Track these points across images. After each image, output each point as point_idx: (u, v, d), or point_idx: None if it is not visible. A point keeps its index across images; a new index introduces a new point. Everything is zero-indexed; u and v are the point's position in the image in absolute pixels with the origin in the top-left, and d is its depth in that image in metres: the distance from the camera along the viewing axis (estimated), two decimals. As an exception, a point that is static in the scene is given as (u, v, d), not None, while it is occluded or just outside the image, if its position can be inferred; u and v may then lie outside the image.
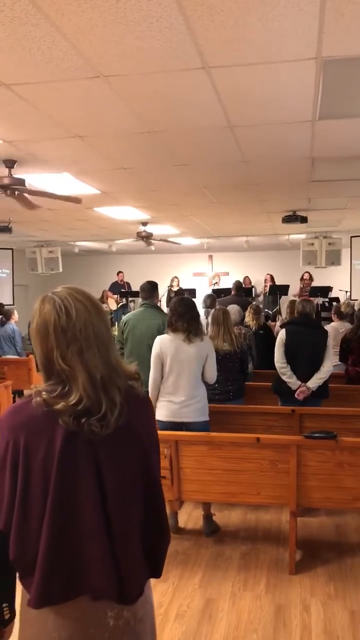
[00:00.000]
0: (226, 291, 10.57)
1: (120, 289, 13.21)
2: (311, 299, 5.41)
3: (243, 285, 10.12)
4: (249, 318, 6.28)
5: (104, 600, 1.45)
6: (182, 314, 3.87)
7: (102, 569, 1.42)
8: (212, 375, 3.95)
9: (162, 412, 3.90)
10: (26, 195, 5.19)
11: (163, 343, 3.90)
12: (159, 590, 3.24)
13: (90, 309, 1.46)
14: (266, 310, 10.96)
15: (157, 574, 1.59)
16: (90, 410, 1.40)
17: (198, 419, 3.89)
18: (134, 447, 1.50)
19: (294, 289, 12.13)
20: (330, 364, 4.61)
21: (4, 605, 1.50)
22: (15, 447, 1.41)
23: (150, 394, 3.91)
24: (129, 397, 1.49)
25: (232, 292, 8.74)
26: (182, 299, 4.08)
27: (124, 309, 12.56)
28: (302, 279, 12.26)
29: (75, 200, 5.52)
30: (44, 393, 1.42)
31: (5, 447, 1.43)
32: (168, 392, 3.88)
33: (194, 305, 4.00)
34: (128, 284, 13.48)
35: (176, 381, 3.86)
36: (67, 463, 1.40)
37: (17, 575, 1.48)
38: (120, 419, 1.44)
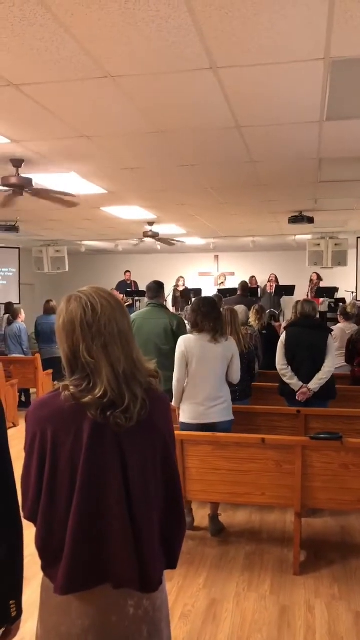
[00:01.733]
0: (232, 291, 10.57)
1: (127, 287, 13.22)
2: (315, 299, 5.40)
3: (249, 286, 10.11)
4: (252, 318, 6.27)
5: (125, 588, 1.50)
6: (207, 313, 3.82)
7: (125, 557, 1.48)
8: (237, 375, 3.93)
9: (187, 415, 3.86)
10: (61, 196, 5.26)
11: (188, 343, 3.83)
12: (164, 590, 3.25)
13: (115, 306, 1.53)
14: (272, 310, 10.96)
15: (173, 565, 1.64)
16: (114, 403, 1.46)
17: (225, 419, 3.87)
18: (156, 440, 1.56)
19: (303, 290, 12.12)
20: (332, 364, 4.58)
21: (11, 602, 1.51)
22: (43, 439, 1.47)
23: (175, 395, 3.88)
24: (149, 392, 1.55)
25: (238, 293, 8.73)
26: (205, 298, 4.07)
27: (129, 308, 12.57)
28: (310, 280, 12.26)
29: (70, 204, 5.54)
30: (71, 387, 1.48)
31: (32, 438, 1.50)
32: (193, 393, 3.83)
33: (217, 305, 3.99)
34: (135, 283, 13.48)
35: (202, 382, 3.81)
36: (94, 454, 1.46)
37: (41, 565, 1.53)
38: (142, 412, 1.49)
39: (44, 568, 1.54)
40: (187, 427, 3.84)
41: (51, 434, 1.47)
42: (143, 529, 1.49)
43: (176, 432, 3.65)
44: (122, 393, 1.47)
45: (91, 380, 1.47)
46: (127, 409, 1.47)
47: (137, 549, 1.48)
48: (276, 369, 4.82)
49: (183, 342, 3.86)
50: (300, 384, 4.56)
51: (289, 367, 4.61)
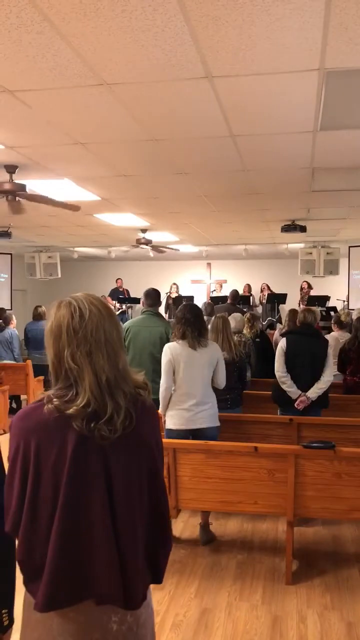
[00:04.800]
0: (223, 299, 10.58)
1: (120, 295, 13.21)
2: (313, 308, 5.41)
3: (240, 294, 10.12)
4: (244, 327, 6.26)
5: (108, 604, 1.47)
6: (192, 321, 3.86)
7: (108, 574, 1.44)
8: (222, 380, 3.98)
9: (174, 421, 3.87)
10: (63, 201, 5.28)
11: (174, 350, 3.87)
12: (155, 599, 3.21)
13: (104, 314, 1.51)
14: (271, 318, 10.99)
15: (159, 580, 1.60)
16: (97, 413, 1.43)
17: (211, 425, 3.90)
18: (142, 453, 1.53)
19: (295, 297, 12.17)
20: (331, 374, 4.60)
21: (3, 611, 1.49)
22: (26, 451, 1.44)
23: (161, 402, 3.89)
24: (135, 404, 1.52)
25: (228, 301, 8.74)
26: (190, 305, 4.07)
27: (122, 315, 12.55)
28: (301, 288, 12.32)
29: (73, 207, 5.53)
30: (55, 400, 1.45)
31: (15, 450, 1.46)
32: (180, 399, 3.86)
33: (201, 312, 4.02)
34: (127, 290, 13.48)
35: (189, 388, 3.84)
36: (78, 467, 1.42)
37: (22, 580, 1.49)
38: (126, 423, 1.46)
39: (25, 583, 1.49)
40: (173, 433, 3.85)
41: (35, 446, 1.43)
42: (127, 545, 1.46)
43: (168, 441, 3.68)
44: (104, 402, 1.44)
45: (74, 390, 1.45)
46: (111, 419, 1.44)
47: (121, 566, 1.44)
48: (269, 377, 4.81)
49: (169, 350, 3.89)
50: (299, 392, 4.55)
51: (289, 375, 4.61)
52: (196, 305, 4.17)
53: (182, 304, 4.17)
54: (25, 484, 1.44)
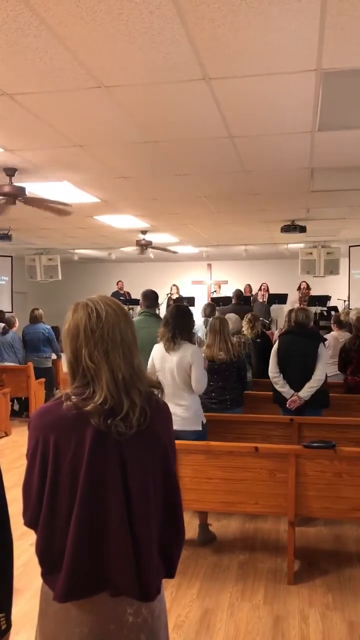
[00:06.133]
0: (225, 300, 10.58)
1: (120, 297, 13.21)
2: (308, 308, 5.40)
3: (243, 294, 10.12)
4: (245, 327, 6.26)
5: (123, 596, 1.51)
6: (169, 322, 3.88)
7: (123, 566, 1.48)
8: (196, 384, 3.83)
9: None
10: (53, 204, 5.28)
11: (154, 351, 3.95)
12: (157, 600, 3.22)
13: (120, 314, 1.56)
14: (262, 319, 10.99)
15: (171, 574, 1.64)
16: (114, 410, 1.48)
17: (186, 428, 3.82)
18: (156, 449, 1.57)
19: (294, 298, 12.17)
20: (322, 372, 4.59)
21: (0, 615, 1.49)
22: (45, 447, 1.49)
23: None
24: (150, 402, 1.57)
25: (233, 301, 8.75)
26: (175, 307, 4.08)
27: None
28: (299, 288, 12.32)
29: (64, 212, 5.53)
30: (73, 397, 1.50)
31: (34, 446, 1.52)
32: None
33: (183, 313, 3.97)
34: (128, 293, 13.50)
35: (165, 389, 3.83)
36: (95, 462, 1.47)
37: (41, 572, 1.54)
38: (141, 419, 1.51)
39: (43, 575, 1.55)
40: None
41: (53, 441, 1.48)
42: (142, 538, 1.50)
43: (169, 441, 3.67)
44: (120, 400, 1.49)
45: (92, 388, 1.49)
46: (126, 416, 1.48)
47: (136, 558, 1.49)
48: (267, 377, 4.82)
49: (152, 351, 3.96)
50: (292, 392, 4.57)
51: (281, 375, 4.63)
52: (180, 307, 4.14)
53: (171, 306, 4.19)
54: (44, 479, 1.49)
